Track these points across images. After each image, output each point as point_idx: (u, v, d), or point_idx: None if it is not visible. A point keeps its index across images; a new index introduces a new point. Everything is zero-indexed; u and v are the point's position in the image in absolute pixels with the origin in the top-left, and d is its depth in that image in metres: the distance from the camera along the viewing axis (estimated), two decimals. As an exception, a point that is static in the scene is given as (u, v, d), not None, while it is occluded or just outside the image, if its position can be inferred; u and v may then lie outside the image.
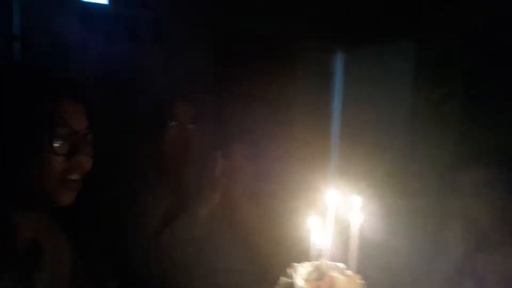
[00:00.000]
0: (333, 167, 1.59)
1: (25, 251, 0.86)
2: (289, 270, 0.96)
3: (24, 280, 0.84)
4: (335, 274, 0.96)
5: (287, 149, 1.55)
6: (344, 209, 0.94)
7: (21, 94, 0.84)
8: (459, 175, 1.27)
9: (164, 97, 1.45)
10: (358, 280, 0.95)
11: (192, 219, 1.36)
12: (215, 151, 1.44)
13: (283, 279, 0.97)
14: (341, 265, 1.00)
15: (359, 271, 0.95)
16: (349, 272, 0.96)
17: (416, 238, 1.33)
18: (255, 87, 1.71)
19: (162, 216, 1.40)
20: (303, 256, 0.99)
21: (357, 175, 1.23)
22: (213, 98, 1.81)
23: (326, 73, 1.80)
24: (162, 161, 1.40)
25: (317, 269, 0.95)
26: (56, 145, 0.82)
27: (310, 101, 1.71)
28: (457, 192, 1.26)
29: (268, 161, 1.49)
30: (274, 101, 1.67)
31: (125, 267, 1.19)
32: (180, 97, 1.44)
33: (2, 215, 0.83)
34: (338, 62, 1.81)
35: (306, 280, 0.94)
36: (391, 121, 1.59)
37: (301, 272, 0.97)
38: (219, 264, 1.40)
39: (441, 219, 1.32)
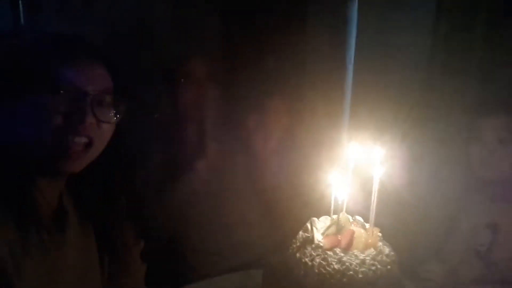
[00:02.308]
0: (353, 120, 1.55)
1: (51, 214, 0.88)
2: (308, 225, 0.96)
3: (51, 240, 0.86)
4: (354, 227, 0.95)
5: (305, 102, 1.52)
6: (365, 162, 0.91)
7: (27, 52, 0.81)
8: (482, 122, 1.23)
9: (178, 53, 1.40)
10: (377, 232, 0.95)
11: (203, 177, 1.37)
12: (226, 107, 1.42)
13: (301, 234, 0.96)
14: (360, 218, 0.99)
15: (378, 223, 0.94)
16: (368, 225, 0.95)
17: (438, 189, 1.32)
18: (265, 42, 1.64)
19: (175, 174, 1.40)
20: (324, 211, 0.98)
21: (378, 128, 1.20)
22: (223, 54, 1.75)
23: (340, 22, 1.71)
24: (178, 117, 1.38)
25: (336, 223, 0.95)
26: (53, 101, 0.79)
27: (325, 53, 1.64)
28: (479, 141, 1.23)
29: (286, 116, 1.46)
30: (286, 54, 1.61)
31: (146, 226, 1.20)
32: (194, 53, 1.40)
33: (27, 180, 0.83)
34: (352, 9, 1.71)
35: (325, 234, 0.94)
36: (409, 70, 1.53)
37: (319, 226, 0.97)
38: (233, 218, 1.41)
39: (464, 168, 1.30)
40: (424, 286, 1.18)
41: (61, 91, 0.79)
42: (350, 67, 1.64)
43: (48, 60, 0.81)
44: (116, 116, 0.86)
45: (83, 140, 0.82)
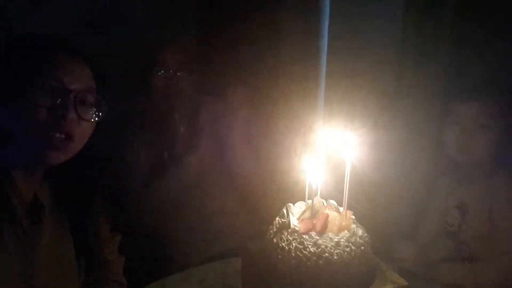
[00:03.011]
0: (326, 107, 1.57)
1: (27, 208, 0.88)
2: (283, 210, 0.98)
3: (27, 234, 0.87)
4: (328, 211, 0.98)
5: (278, 89, 1.53)
6: (338, 147, 0.93)
7: (15, 49, 0.85)
8: (461, 107, 1.26)
9: (151, 43, 1.38)
10: (350, 215, 0.98)
11: (187, 169, 1.36)
12: (201, 96, 1.41)
13: (278, 219, 0.98)
14: (333, 202, 1.02)
15: (351, 207, 0.96)
16: (342, 209, 0.98)
17: (409, 172, 1.35)
18: (240, 31, 1.64)
19: (155, 166, 1.39)
20: (299, 196, 1.00)
21: (349, 114, 1.22)
22: (198, 43, 1.74)
23: (313, 11, 1.72)
24: (152, 109, 1.37)
25: (311, 207, 0.97)
26: (37, 95, 0.81)
27: (298, 41, 1.65)
28: (458, 125, 1.26)
29: (260, 104, 1.47)
30: (260, 41, 1.61)
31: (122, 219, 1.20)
32: (167, 43, 1.38)
33: (1, 174, 0.84)
34: (325, 0, 1.72)
35: (300, 219, 0.96)
36: (381, 57, 1.56)
37: (295, 212, 0.99)
38: (212, 208, 1.42)
39: (433, 151, 1.34)
40: (397, 265, 1.22)
41: (46, 88, 0.83)
42: (324, 55, 1.66)
43: (34, 57, 0.84)
44: (97, 115, 0.89)
45: (64, 135, 0.84)
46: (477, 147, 1.23)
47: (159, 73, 1.33)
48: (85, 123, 0.88)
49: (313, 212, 0.97)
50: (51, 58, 0.85)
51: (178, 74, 1.34)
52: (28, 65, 0.83)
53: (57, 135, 0.84)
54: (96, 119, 0.90)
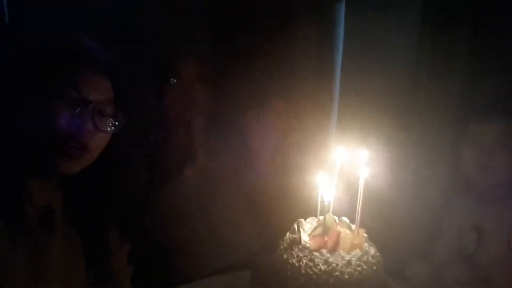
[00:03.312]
0: (339, 123, 1.56)
1: (39, 215, 0.89)
2: (295, 226, 0.96)
3: (38, 242, 0.87)
4: (340, 228, 0.96)
5: (293, 105, 1.52)
6: (351, 164, 0.92)
7: (37, 56, 0.86)
8: (480, 127, 1.24)
9: (168, 53, 1.40)
10: (363, 233, 0.96)
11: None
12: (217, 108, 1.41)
13: (288, 235, 0.97)
14: (346, 219, 1.00)
15: (363, 224, 0.95)
16: (354, 226, 0.96)
17: (423, 191, 1.33)
18: (254, 45, 1.65)
19: (165, 176, 1.39)
20: (310, 212, 0.99)
21: (364, 130, 1.21)
22: (212, 56, 1.75)
23: (328, 25, 1.72)
24: (166, 120, 1.37)
25: (323, 224, 0.95)
26: (56, 105, 0.82)
27: (312, 55, 1.64)
28: (476, 145, 1.23)
29: (274, 118, 1.46)
30: (274, 55, 1.61)
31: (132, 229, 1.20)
32: (184, 53, 1.39)
33: (17, 181, 0.85)
34: (340, 12, 1.73)
35: (312, 235, 0.95)
36: (395, 73, 1.55)
37: (306, 228, 0.97)
38: (221, 220, 1.41)
39: (448, 170, 1.31)
40: (409, 286, 1.19)
41: (65, 97, 0.84)
42: (338, 70, 1.65)
43: (55, 66, 0.85)
44: (114, 126, 0.90)
45: (80, 145, 0.85)
46: (496, 168, 1.21)
47: (176, 84, 1.33)
48: (102, 134, 0.88)
49: (325, 229, 0.95)
50: (72, 68, 0.86)
51: (195, 85, 1.35)
52: (48, 74, 0.84)
53: (74, 145, 0.84)
54: (113, 130, 0.90)
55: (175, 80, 1.34)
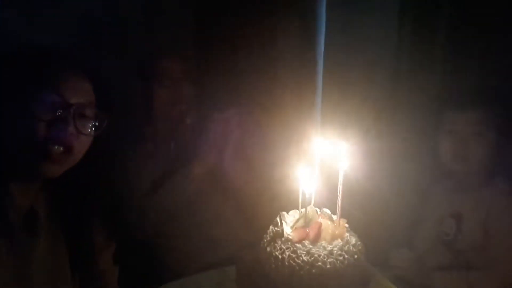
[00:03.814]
0: (319, 116, 1.58)
1: (22, 219, 0.88)
2: (277, 219, 0.98)
3: (22, 245, 0.87)
4: (321, 220, 0.98)
5: (273, 100, 1.53)
6: (331, 156, 0.94)
7: (16, 62, 0.85)
8: (457, 116, 1.26)
9: (152, 52, 1.39)
10: (344, 224, 0.98)
11: (185, 178, 1.37)
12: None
13: (271, 228, 0.98)
14: (327, 210, 1.02)
15: (344, 215, 0.97)
16: (335, 217, 0.98)
17: (401, 180, 1.36)
18: (237, 40, 1.66)
19: (153, 176, 1.39)
20: (293, 205, 1.00)
21: (343, 123, 1.23)
22: (196, 52, 1.75)
23: (309, 19, 1.74)
24: (153, 119, 1.37)
25: (304, 216, 0.97)
26: (38, 109, 0.82)
27: (295, 50, 1.66)
28: (453, 133, 1.25)
29: (256, 112, 1.47)
30: (256, 51, 1.62)
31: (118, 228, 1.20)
32: (169, 52, 1.39)
33: None
34: (321, 6, 1.74)
35: (294, 228, 0.96)
36: (375, 66, 1.57)
37: (289, 220, 0.99)
38: (208, 217, 1.42)
39: (426, 159, 1.34)
40: (392, 273, 1.21)
41: (46, 101, 0.83)
42: (320, 64, 1.67)
43: (36, 69, 0.84)
44: (96, 129, 0.90)
45: (63, 148, 0.85)
46: (472, 156, 1.24)
47: (162, 82, 1.33)
48: (84, 137, 0.88)
49: (307, 221, 0.97)
50: (54, 72, 0.86)
51: (180, 83, 1.35)
52: (29, 78, 0.83)
53: (56, 147, 0.84)
54: (95, 132, 0.90)
55: (161, 78, 1.34)
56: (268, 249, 0.95)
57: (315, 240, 0.93)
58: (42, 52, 0.88)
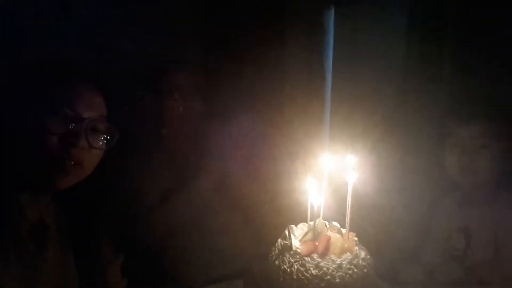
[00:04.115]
0: (328, 129, 1.59)
1: (32, 230, 0.89)
2: (286, 232, 0.98)
3: (31, 256, 0.88)
4: (330, 233, 0.97)
5: (282, 114, 1.55)
6: (339, 170, 0.94)
7: (32, 74, 0.88)
8: (461, 129, 1.26)
9: (160, 66, 1.41)
10: (353, 237, 0.97)
11: (193, 193, 1.37)
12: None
13: (280, 241, 0.98)
14: (336, 223, 1.01)
15: (353, 228, 0.96)
16: (344, 230, 0.98)
17: (409, 194, 1.35)
18: (245, 53, 1.68)
19: (162, 190, 1.40)
20: (301, 218, 1.00)
21: (352, 136, 1.23)
22: (204, 67, 1.78)
23: (317, 32, 1.76)
24: (161, 133, 1.38)
25: (313, 229, 0.97)
26: (50, 122, 0.83)
27: (302, 61, 1.68)
28: (458, 147, 1.26)
29: (264, 125, 1.48)
30: (265, 63, 1.64)
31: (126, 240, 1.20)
32: (177, 65, 1.41)
33: (8, 196, 0.86)
34: (329, 19, 1.77)
35: (302, 241, 0.96)
36: (383, 79, 1.58)
37: (297, 233, 0.99)
38: (216, 229, 1.42)
39: (434, 173, 1.34)
40: (401, 288, 1.20)
41: (59, 115, 0.85)
42: (329, 77, 1.68)
43: (50, 84, 0.87)
44: (107, 142, 0.91)
45: (74, 162, 0.86)
46: (478, 168, 1.23)
47: (172, 96, 1.35)
48: (95, 151, 0.90)
49: (315, 234, 0.96)
50: (67, 86, 0.88)
51: (189, 97, 1.37)
52: (43, 92, 0.85)
53: (67, 160, 0.85)
54: (106, 146, 0.91)
55: (171, 92, 1.35)
56: (277, 262, 0.95)
57: (324, 254, 0.92)
58: (56, 67, 0.91)
